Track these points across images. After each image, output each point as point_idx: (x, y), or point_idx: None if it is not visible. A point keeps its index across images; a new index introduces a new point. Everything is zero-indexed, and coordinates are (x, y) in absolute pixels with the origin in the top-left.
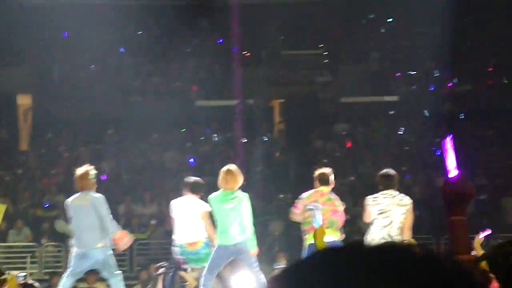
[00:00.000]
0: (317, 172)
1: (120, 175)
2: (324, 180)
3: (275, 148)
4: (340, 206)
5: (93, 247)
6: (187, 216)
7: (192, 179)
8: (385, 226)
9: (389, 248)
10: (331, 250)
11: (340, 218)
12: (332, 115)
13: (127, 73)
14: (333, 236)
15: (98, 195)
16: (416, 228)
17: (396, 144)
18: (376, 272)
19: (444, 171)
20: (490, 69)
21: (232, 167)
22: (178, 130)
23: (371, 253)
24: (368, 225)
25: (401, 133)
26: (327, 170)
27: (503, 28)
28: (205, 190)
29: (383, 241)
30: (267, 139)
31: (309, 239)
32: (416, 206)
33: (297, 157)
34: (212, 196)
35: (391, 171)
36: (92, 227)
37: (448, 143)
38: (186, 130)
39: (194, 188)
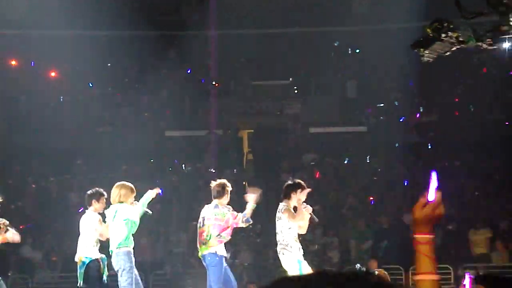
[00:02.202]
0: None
1: None
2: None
3: (244, 178)
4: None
5: None
6: (81, 232)
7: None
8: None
9: (351, 277)
10: (295, 279)
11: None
12: (301, 146)
13: (95, 104)
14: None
15: None
16: (384, 258)
17: (364, 174)
18: None
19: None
20: (456, 100)
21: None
22: (147, 161)
23: (340, 280)
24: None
25: (368, 161)
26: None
27: (468, 60)
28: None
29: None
30: (236, 172)
31: (200, 251)
32: (384, 236)
33: (266, 187)
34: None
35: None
36: None
37: (433, 178)
38: (155, 160)
39: (88, 200)
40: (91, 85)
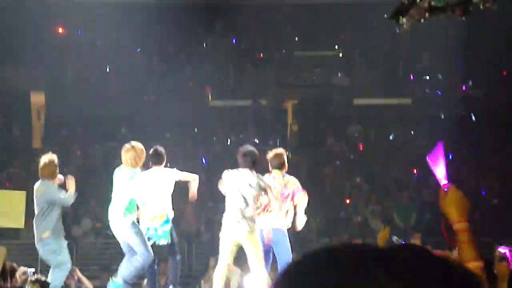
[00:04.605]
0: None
1: None
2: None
3: (288, 149)
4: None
5: None
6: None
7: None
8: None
9: (404, 251)
10: (344, 248)
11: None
12: (345, 117)
13: (140, 73)
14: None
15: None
16: (428, 231)
17: (408, 147)
18: (389, 273)
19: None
20: (504, 73)
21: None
22: (191, 130)
23: (384, 254)
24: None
25: (412, 134)
26: (279, 150)
27: None
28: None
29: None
30: (279, 143)
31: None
32: (428, 209)
33: (309, 158)
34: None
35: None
36: None
37: (439, 152)
38: (199, 130)
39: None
40: (138, 50)
